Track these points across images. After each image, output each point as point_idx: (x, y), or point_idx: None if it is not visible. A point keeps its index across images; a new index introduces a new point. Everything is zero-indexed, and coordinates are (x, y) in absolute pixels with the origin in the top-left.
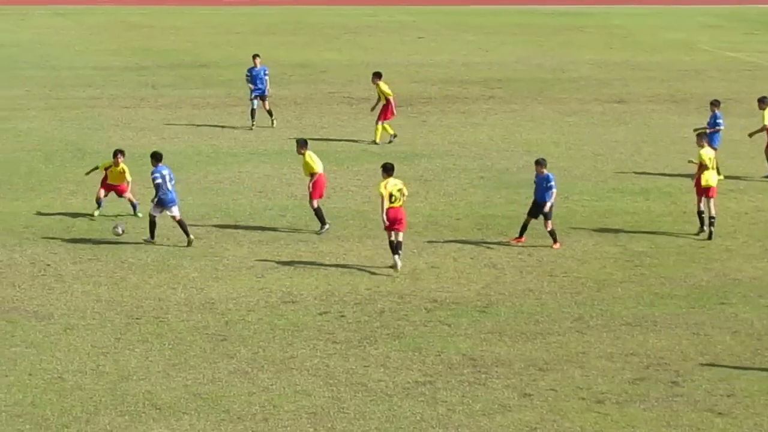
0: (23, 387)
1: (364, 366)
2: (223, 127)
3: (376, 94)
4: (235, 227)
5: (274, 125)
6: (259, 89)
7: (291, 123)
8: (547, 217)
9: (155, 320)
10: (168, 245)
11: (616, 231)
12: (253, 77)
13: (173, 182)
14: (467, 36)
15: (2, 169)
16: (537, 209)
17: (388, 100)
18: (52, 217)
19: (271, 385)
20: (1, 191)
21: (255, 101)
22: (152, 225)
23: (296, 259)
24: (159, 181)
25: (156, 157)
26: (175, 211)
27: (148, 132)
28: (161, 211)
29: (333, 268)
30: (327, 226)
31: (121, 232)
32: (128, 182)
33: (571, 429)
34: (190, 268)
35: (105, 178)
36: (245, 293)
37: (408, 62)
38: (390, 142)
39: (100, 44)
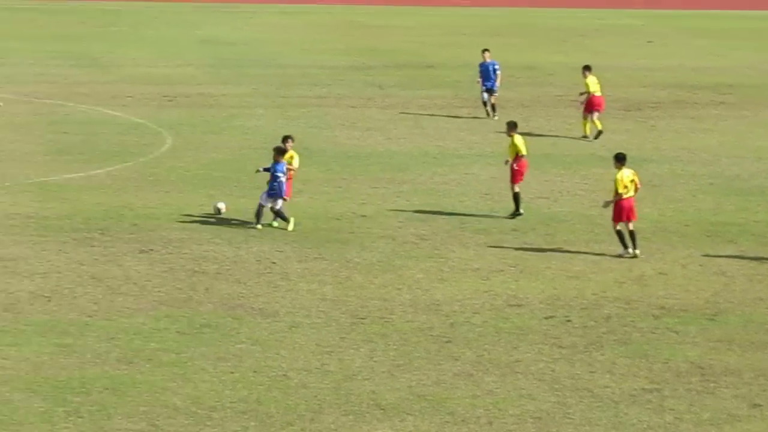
0: (248, 384)
1: (590, 371)
2: (449, 128)
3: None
4: (461, 229)
5: (495, 118)
6: (488, 83)
7: (519, 125)
8: None
9: (380, 320)
10: (393, 245)
11: None
12: (482, 72)
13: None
14: (697, 41)
15: (229, 166)
16: None
17: (591, 94)
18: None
19: (496, 388)
20: (228, 188)
21: (484, 94)
22: (259, 213)
23: (522, 263)
24: (282, 179)
25: (280, 152)
26: (279, 202)
27: (374, 132)
28: (271, 202)
29: (559, 272)
30: (521, 214)
31: (223, 209)
32: (292, 170)
33: None
34: (416, 269)
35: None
36: (470, 295)
37: (636, 66)
38: (584, 137)
39: (327, 43)
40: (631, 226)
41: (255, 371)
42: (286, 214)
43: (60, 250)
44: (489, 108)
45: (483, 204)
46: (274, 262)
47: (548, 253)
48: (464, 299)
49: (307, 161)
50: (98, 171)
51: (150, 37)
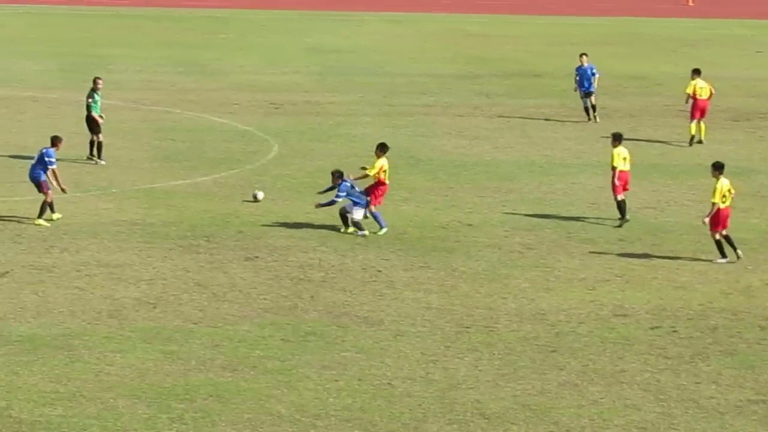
0: (352, 392)
1: (696, 382)
2: (556, 137)
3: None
4: (567, 238)
5: (597, 121)
6: (586, 87)
7: (625, 135)
8: None
9: (485, 329)
10: (499, 254)
11: None
12: (580, 76)
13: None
14: None
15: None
16: None
17: (696, 98)
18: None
19: (601, 398)
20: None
21: (585, 99)
22: (346, 219)
23: (628, 273)
24: (342, 197)
25: (338, 175)
26: (360, 213)
27: (481, 141)
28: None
29: (666, 282)
30: (627, 220)
31: (260, 197)
32: (368, 176)
33: None
34: (521, 279)
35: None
36: (576, 305)
37: (746, 76)
38: (690, 144)
39: (435, 52)
40: (725, 231)
41: (359, 379)
42: (382, 222)
43: (166, 256)
44: (590, 110)
45: (589, 213)
46: (379, 271)
47: (654, 263)
48: (570, 309)
49: (413, 170)
50: (204, 178)
51: (257, 45)
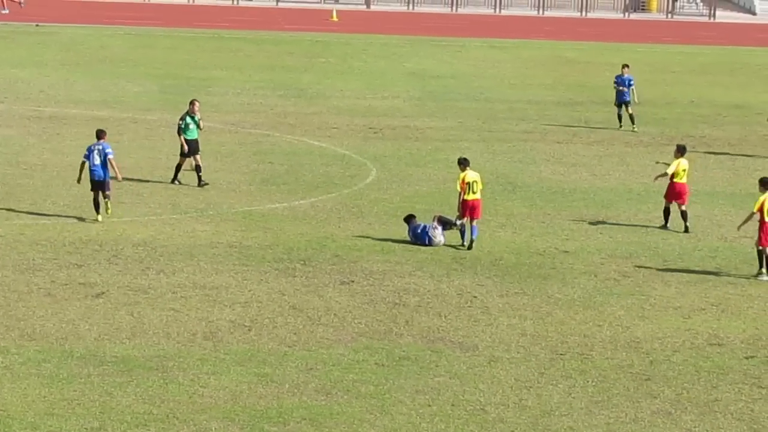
0: (445, 417)
1: None
2: (655, 165)
3: None
4: (664, 266)
5: (635, 131)
6: (623, 96)
7: (724, 164)
8: None
9: (579, 356)
10: (595, 282)
11: None
12: (618, 84)
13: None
14: None
15: (433, 199)
16: None
17: None
18: (479, 248)
19: (694, 427)
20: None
21: (620, 108)
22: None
23: (723, 302)
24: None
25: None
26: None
27: (579, 168)
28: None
29: (761, 312)
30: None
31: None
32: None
33: None
34: (617, 306)
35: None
36: (671, 333)
37: None
38: None
39: (534, 78)
40: None
41: (453, 405)
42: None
43: (261, 279)
44: (628, 120)
45: (686, 242)
46: (475, 296)
47: (751, 292)
48: (665, 337)
49: (511, 196)
50: (302, 201)
51: (357, 69)
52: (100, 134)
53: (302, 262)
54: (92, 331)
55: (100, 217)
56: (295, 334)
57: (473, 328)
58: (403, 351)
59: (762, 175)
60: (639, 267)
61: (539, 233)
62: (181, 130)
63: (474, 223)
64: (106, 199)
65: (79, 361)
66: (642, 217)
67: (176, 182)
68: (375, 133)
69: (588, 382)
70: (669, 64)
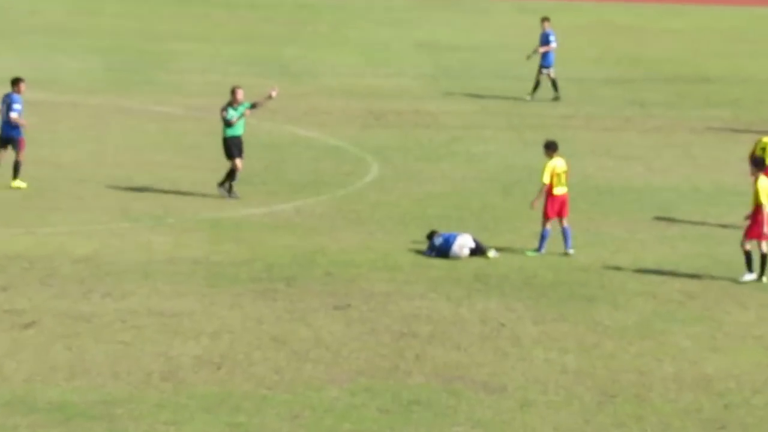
0: None
1: None
2: (727, 158)
3: None
4: (740, 285)
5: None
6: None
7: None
8: None
9: (635, 399)
10: (654, 304)
11: None
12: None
13: None
14: None
15: (450, 202)
16: None
17: None
18: (508, 263)
19: None
20: (448, 230)
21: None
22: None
23: None
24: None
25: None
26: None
27: (632, 161)
28: None
29: None
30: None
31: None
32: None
33: None
34: (681, 335)
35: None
36: (749, 369)
37: None
38: None
39: (576, 50)
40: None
41: None
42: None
43: (234, 304)
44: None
45: None
46: (503, 324)
47: None
48: (742, 374)
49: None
50: (285, 206)
51: (354, 40)
52: (14, 83)
53: (286, 282)
54: (20, 370)
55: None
56: (276, 372)
57: (501, 363)
58: (413, 393)
59: None
60: (709, 286)
61: (583, 244)
62: (225, 124)
63: (565, 222)
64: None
65: (4, 409)
66: (712, 223)
67: (229, 194)
68: (376, 119)
69: (646, 430)
70: (745, 30)
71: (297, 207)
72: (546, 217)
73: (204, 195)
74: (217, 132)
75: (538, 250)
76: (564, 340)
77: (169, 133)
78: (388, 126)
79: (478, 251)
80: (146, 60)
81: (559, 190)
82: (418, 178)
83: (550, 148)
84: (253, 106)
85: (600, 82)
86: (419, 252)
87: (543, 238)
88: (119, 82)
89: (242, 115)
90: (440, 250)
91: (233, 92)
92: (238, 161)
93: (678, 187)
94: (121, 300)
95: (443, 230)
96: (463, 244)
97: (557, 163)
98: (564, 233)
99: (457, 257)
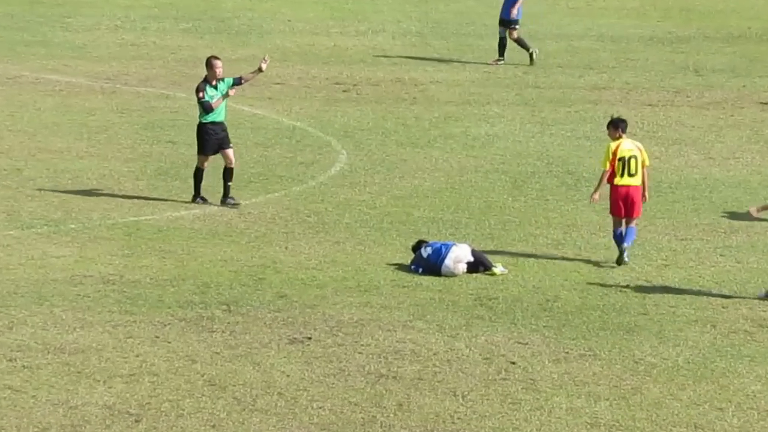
0: None
1: None
2: None
3: None
4: None
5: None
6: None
7: None
8: None
9: None
10: (713, 336)
11: None
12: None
13: None
14: None
15: (441, 200)
16: None
17: None
18: (520, 281)
19: None
20: (440, 238)
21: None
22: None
23: None
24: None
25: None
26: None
27: (684, 146)
28: None
29: None
30: None
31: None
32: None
33: None
34: (750, 377)
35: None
36: None
37: None
38: None
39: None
40: None
41: None
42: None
43: (157, 337)
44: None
45: None
46: (513, 362)
47: None
48: None
49: (572, 194)
50: (222, 207)
51: None
52: None
53: (225, 308)
54: None
55: None
56: (213, 427)
57: (510, 414)
58: None
59: None
60: None
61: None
62: (204, 109)
63: (633, 223)
64: None
65: None
66: None
67: (199, 200)
68: (345, 91)
69: None
70: None
71: (241, 208)
72: (613, 215)
73: (118, 191)
74: (133, 109)
75: (621, 258)
76: (594, 382)
77: (69, 111)
78: (360, 100)
79: (479, 266)
80: (39, 13)
81: (625, 180)
82: (400, 169)
83: (616, 126)
84: (238, 82)
85: (642, 41)
86: (402, 268)
87: (617, 242)
88: (3, 43)
89: (225, 95)
90: (430, 264)
91: (210, 65)
92: (228, 152)
93: (745, 180)
94: (7, 332)
95: (433, 239)
96: (460, 257)
97: (624, 145)
98: (626, 234)
99: (451, 274)
